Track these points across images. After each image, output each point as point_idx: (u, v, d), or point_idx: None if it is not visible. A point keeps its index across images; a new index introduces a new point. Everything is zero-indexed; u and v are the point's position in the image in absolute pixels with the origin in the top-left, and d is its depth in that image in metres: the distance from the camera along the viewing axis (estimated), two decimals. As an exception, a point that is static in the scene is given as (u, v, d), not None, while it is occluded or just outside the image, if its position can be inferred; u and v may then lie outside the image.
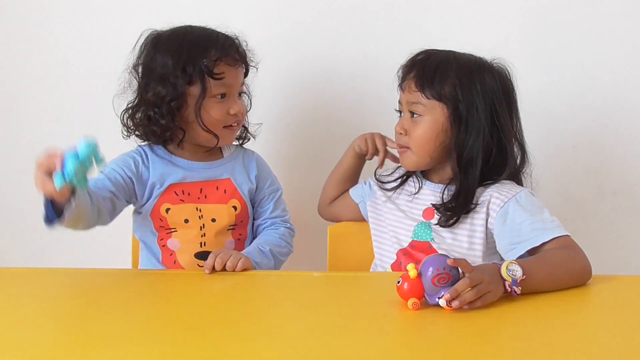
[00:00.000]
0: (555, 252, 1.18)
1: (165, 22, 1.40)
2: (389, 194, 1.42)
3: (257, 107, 1.50)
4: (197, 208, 1.39)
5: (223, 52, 1.34)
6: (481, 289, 1.02)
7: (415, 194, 1.38)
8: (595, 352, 0.89)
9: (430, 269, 1.02)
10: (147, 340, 0.95)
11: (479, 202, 1.29)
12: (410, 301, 1.02)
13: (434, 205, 1.34)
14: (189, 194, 1.39)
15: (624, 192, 1.76)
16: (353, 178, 1.53)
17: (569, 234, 1.21)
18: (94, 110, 1.66)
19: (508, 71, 1.35)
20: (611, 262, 1.75)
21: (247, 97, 1.47)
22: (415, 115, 1.31)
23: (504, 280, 1.05)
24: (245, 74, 1.42)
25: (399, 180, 1.42)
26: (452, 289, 1.00)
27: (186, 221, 1.38)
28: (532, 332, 0.95)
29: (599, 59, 1.71)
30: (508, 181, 1.32)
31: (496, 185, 1.31)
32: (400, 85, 1.36)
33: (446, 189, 1.32)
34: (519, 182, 1.35)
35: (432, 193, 1.36)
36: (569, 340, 0.93)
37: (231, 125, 1.39)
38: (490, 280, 1.03)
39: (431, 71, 1.30)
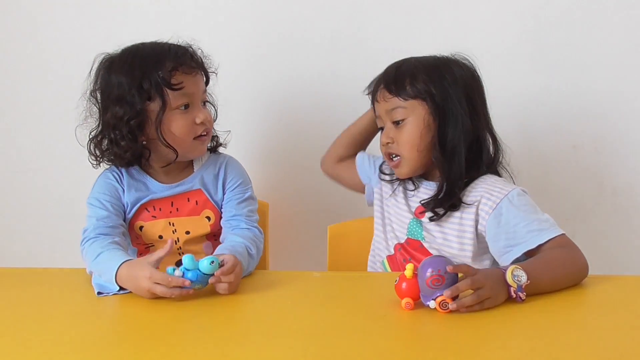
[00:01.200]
0: (554, 253, 1.18)
1: (167, 22, 1.40)
2: (393, 188, 1.42)
3: (256, 107, 1.50)
4: (169, 222, 1.36)
5: (178, 61, 1.30)
6: (481, 294, 1.02)
7: (412, 191, 1.38)
8: (595, 352, 0.88)
9: (428, 270, 1.02)
10: (146, 341, 0.95)
11: (468, 202, 1.28)
12: (404, 301, 1.03)
13: (422, 201, 1.33)
14: (160, 209, 1.37)
15: (624, 192, 1.76)
16: (366, 142, 1.53)
17: (564, 233, 1.21)
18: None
19: (471, 62, 1.36)
20: (611, 262, 1.75)
21: (212, 107, 1.43)
22: (399, 122, 1.31)
23: (509, 286, 1.05)
24: (207, 83, 1.38)
25: (397, 180, 1.42)
26: (453, 287, 1.00)
27: (160, 237, 1.36)
28: (532, 332, 0.95)
29: (599, 59, 1.71)
30: (499, 178, 1.32)
31: (487, 183, 1.29)
32: (374, 99, 1.36)
33: (438, 186, 1.32)
34: (496, 173, 1.34)
35: (425, 191, 1.36)
36: (569, 341, 0.93)
37: (201, 136, 1.34)
38: (492, 286, 1.03)
39: (400, 75, 1.31)
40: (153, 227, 1.36)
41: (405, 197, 1.39)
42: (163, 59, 1.29)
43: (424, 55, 1.36)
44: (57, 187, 1.86)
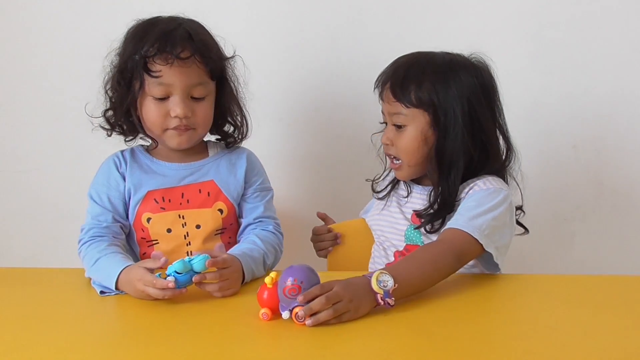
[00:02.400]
0: (424, 250, 1.17)
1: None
2: (384, 201, 1.42)
3: (258, 107, 1.49)
4: (179, 215, 1.30)
5: (158, 48, 1.22)
6: (338, 308, 0.97)
7: (405, 197, 1.38)
8: (595, 352, 0.88)
9: (288, 279, 0.98)
10: (146, 341, 0.95)
11: (460, 198, 1.27)
12: (261, 311, 1.00)
13: (416, 212, 1.32)
14: (169, 201, 1.30)
15: (623, 191, 1.76)
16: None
17: (468, 232, 1.16)
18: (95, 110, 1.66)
19: (486, 64, 1.32)
20: (611, 262, 1.75)
21: (235, 90, 1.36)
22: (399, 127, 1.29)
23: (375, 293, 1.01)
24: (213, 73, 1.29)
25: (389, 186, 1.41)
26: (306, 307, 0.96)
27: (169, 230, 1.30)
28: (531, 332, 0.95)
29: (599, 59, 1.71)
30: (497, 178, 1.29)
31: (479, 179, 1.27)
32: (381, 96, 1.34)
33: (432, 192, 1.31)
34: (504, 177, 1.32)
35: (420, 196, 1.35)
36: (568, 340, 0.93)
37: (177, 127, 1.27)
38: (352, 298, 0.99)
39: (406, 79, 1.28)
40: (161, 219, 1.30)
41: (399, 205, 1.38)
42: (145, 41, 1.24)
43: (437, 52, 1.32)
44: (57, 187, 1.86)
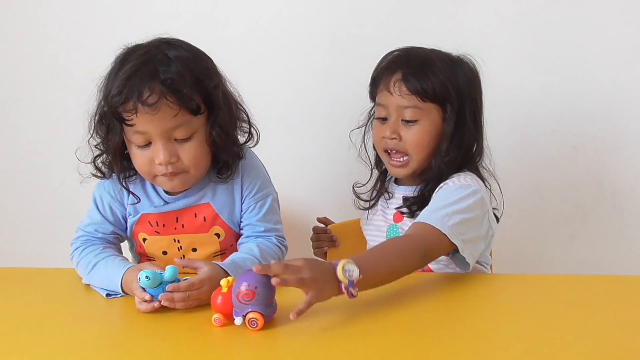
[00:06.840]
0: (392, 243, 1.13)
1: (167, 22, 1.40)
2: (366, 215, 1.43)
3: (256, 107, 1.50)
4: (174, 239, 1.25)
5: (125, 96, 1.09)
6: (302, 281, 0.93)
7: (388, 200, 1.37)
8: (595, 353, 0.88)
9: (242, 284, 0.93)
10: (146, 341, 0.95)
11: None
12: (214, 316, 0.97)
13: (405, 197, 1.31)
14: (163, 225, 1.24)
15: (624, 192, 1.76)
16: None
17: (433, 225, 1.13)
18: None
19: (473, 62, 1.33)
20: (611, 262, 1.75)
21: (232, 109, 1.22)
22: (409, 121, 1.27)
23: (339, 282, 0.96)
24: (196, 109, 1.13)
25: (374, 195, 1.41)
26: (274, 279, 0.91)
27: (164, 253, 1.26)
28: (531, 332, 0.95)
29: (599, 59, 1.71)
30: (468, 174, 1.27)
31: (452, 179, 1.26)
32: (387, 88, 1.28)
33: (423, 186, 1.30)
34: (477, 171, 1.31)
35: (403, 196, 1.34)
36: (568, 340, 0.93)
37: (164, 174, 1.16)
38: (316, 278, 0.95)
39: (423, 72, 1.25)
40: (156, 242, 1.26)
41: (383, 211, 1.38)
42: (111, 87, 1.12)
43: (429, 47, 1.31)
44: (57, 187, 1.86)
